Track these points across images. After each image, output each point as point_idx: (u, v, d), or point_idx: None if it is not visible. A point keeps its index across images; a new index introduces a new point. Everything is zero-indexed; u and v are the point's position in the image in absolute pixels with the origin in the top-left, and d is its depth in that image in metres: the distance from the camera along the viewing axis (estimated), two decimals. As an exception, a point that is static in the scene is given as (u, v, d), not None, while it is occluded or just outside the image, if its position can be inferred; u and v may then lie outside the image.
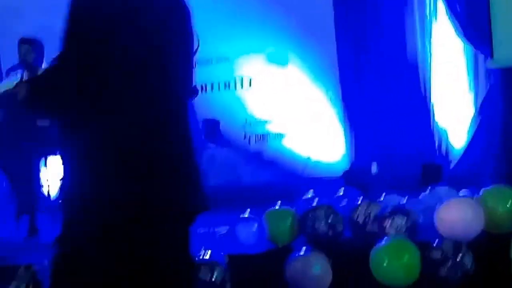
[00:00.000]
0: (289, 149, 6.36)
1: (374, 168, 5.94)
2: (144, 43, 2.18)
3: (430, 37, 5.92)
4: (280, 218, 4.07)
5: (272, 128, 6.39)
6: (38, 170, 5.38)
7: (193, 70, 2.38)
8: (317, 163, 6.26)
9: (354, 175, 5.85)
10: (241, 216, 4.11)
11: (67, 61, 2.18)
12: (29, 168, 5.26)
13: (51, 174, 5.63)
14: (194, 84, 2.44)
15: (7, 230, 5.32)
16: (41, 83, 2.28)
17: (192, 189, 2.28)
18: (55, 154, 5.40)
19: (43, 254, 4.34)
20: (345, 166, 6.18)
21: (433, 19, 5.90)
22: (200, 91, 4.83)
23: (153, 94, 2.21)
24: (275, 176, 6.08)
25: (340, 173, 6.02)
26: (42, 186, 5.49)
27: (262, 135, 6.33)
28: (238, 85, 6.48)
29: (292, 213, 4.10)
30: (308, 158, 6.27)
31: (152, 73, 2.21)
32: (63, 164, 2.24)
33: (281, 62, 6.27)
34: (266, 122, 6.41)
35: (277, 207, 4.18)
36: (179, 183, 2.23)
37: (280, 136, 6.38)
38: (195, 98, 2.55)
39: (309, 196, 4.38)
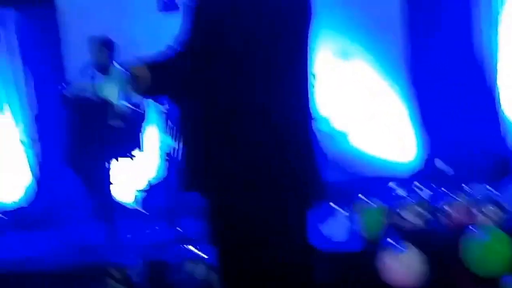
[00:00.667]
0: (356, 147, 6.30)
1: (440, 165, 5.90)
2: (276, 32, 2.21)
3: (497, 28, 5.84)
4: (372, 213, 4.08)
5: (338, 125, 6.33)
6: (111, 172, 5.39)
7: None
8: (387, 162, 6.21)
9: (426, 173, 5.83)
10: (331, 212, 4.14)
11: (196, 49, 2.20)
12: (103, 171, 5.30)
13: (124, 176, 5.67)
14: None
15: (88, 232, 5.36)
16: (168, 68, 2.25)
17: (311, 175, 2.32)
18: (128, 156, 5.44)
19: (128, 254, 4.43)
20: (417, 164, 6.13)
21: (500, 9, 5.82)
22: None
23: (287, 79, 2.24)
24: (341, 175, 6.03)
25: (412, 171, 6.00)
26: (115, 188, 5.49)
27: (328, 133, 6.29)
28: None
29: (383, 209, 4.11)
30: (376, 157, 6.24)
31: (282, 61, 2.23)
32: (200, 153, 2.27)
33: (349, 56, 6.22)
34: (331, 119, 6.33)
35: (368, 203, 4.20)
36: (302, 166, 2.27)
37: (346, 134, 6.32)
38: None
39: (397, 192, 4.40)
